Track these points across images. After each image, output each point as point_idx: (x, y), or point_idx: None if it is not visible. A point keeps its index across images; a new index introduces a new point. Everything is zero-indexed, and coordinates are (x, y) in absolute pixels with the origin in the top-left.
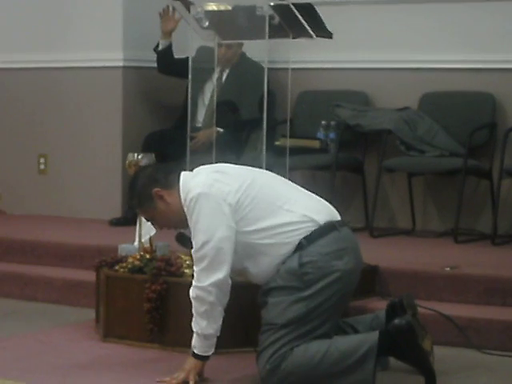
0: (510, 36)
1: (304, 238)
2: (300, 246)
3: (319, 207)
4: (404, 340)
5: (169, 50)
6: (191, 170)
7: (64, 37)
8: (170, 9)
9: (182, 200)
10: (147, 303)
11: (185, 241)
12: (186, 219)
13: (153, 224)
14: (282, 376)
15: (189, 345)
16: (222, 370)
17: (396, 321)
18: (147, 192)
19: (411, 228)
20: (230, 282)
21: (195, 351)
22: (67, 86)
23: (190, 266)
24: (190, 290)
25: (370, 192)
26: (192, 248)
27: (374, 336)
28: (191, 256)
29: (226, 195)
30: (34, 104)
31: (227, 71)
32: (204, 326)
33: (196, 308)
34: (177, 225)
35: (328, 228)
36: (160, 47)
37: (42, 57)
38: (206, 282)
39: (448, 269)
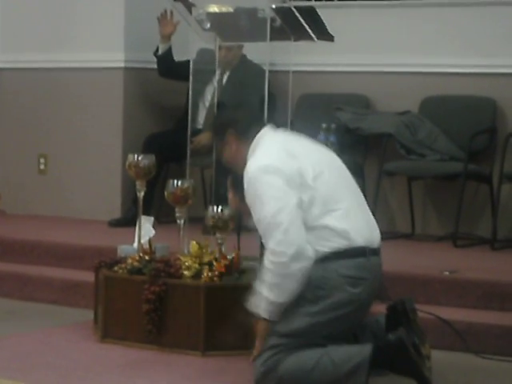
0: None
1: (331, 252)
2: (325, 258)
3: (363, 227)
4: (396, 356)
5: (169, 53)
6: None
7: (65, 37)
8: (168, 13)
9: (250, 149)
10: (146, 304)
11: (237, 184)
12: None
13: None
14: (274, 379)
15: (186, 346)
16: (219, 371)
17: (388, 336)
18: (223, 130)
19: (411, 232)
20: (310, 252)
21: (261, 313)
22: (68, 86)
23: (189, 268)
24: (266, 261)
25: (370, 195)
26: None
27: (368, 349)
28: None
29: (295, 171)
30: (34, 104)
31: (228, 73)
32: (271, 296)
33: (268, 277)
34: (235, 167)
35: (358, 252)
36: (160, 51)
37: (42, 57)
38: (288, 254)
39: (447, 273)
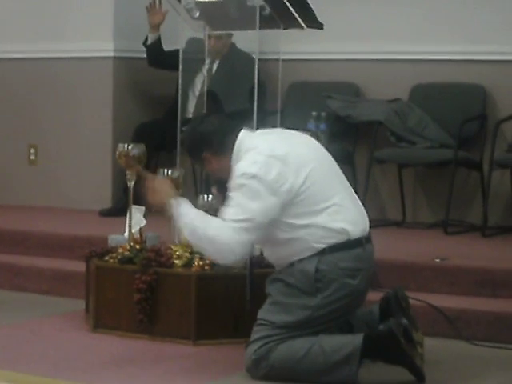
0: (501, 28)
1: (329, 246)
2: (322, 252)
3: (357, 218)
4: (387, 346)
5: (158, 43)
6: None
7: (55, 27)
8: (157, 2)
9: (233, 159)
10: (137, 294)
11: (222, 187)
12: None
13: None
14: (266, 368)
15: (178, 335)
16: (210, 360)
17: (379, 327)
18: (196, 152)
19: (401, 219)
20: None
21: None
22: (58, 76)
23: (180, 257)
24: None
25: (361, 183)
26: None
27: (359, 339)
28: None
29: (280, 186)
30: (24, 94)
31: (217, 62)
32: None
33: (198, 238)
34: (222, 177)
35: (355, 244)
36: (149, 41)
37: (32, 47)
38: (228, 261)
39: (438, 260)
